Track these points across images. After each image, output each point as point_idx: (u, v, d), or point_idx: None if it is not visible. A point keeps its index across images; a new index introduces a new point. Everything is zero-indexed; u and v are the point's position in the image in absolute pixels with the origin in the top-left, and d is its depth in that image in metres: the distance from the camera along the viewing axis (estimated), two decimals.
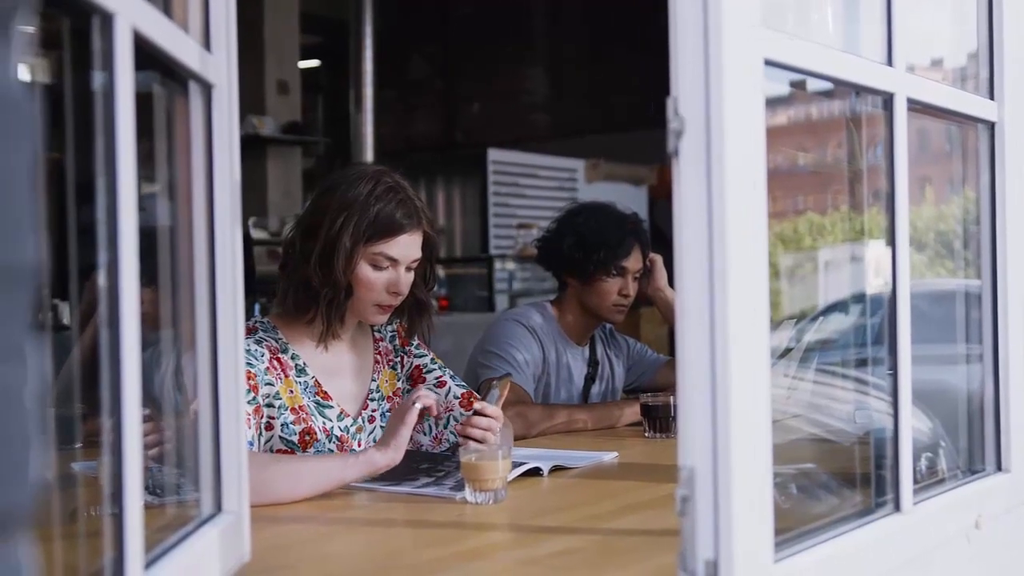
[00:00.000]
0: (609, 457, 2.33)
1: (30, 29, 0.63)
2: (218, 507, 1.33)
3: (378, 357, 2.36)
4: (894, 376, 1.49)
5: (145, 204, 1.12)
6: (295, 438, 2.14)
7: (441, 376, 2.37)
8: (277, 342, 2.21)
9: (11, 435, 0.55)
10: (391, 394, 2.35)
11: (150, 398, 1.14)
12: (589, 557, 1.54)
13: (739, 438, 1.14)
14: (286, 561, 1.55)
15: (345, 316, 2.23)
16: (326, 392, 2.23)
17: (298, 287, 2.18)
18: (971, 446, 1.82)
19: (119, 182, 0.96)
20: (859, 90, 1.52)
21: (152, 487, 1.27)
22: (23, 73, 0.60)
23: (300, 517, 1.81)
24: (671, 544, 1.46)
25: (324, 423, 2.20)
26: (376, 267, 2.17)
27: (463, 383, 2.39)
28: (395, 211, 2.15)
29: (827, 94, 1.69)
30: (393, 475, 2.01)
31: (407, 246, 2.18)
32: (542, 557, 1.54)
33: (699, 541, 1.15)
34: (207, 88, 1.31)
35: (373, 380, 2.33)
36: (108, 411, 0.95)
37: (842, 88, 1.57)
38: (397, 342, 2.40)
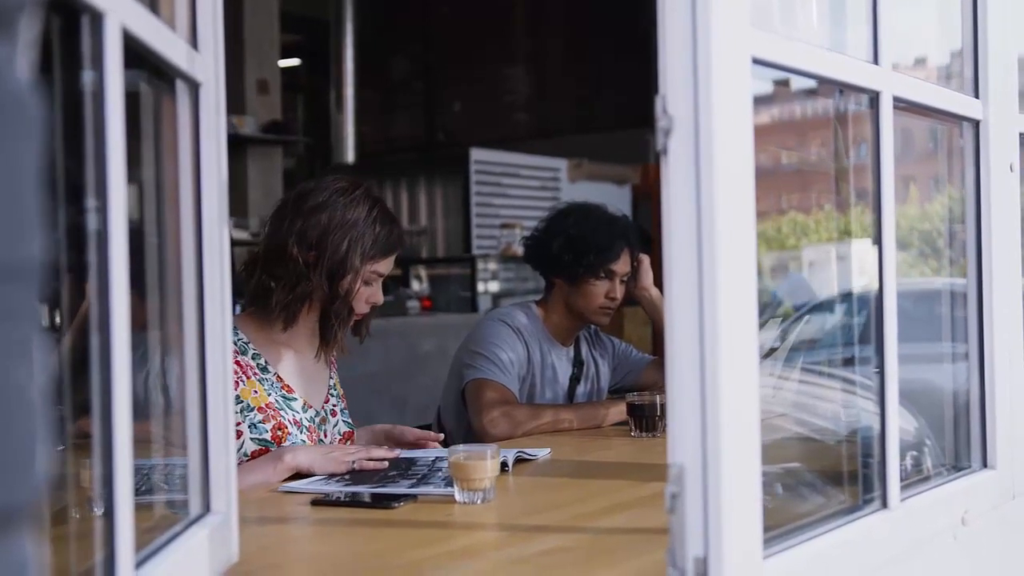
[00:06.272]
0: (543, 454, 2.33)
1: (35, 28, 0.63)
2: (206, 507, 1.32)
3: (332, 359, 2.43)
4: (880, 373, 1.50)
5: (131, 204, 1.12)
6: (267, 435, 2.17)
7: (342, 405, 2.44)
8: (236, 344, 2.21)
9: (20, 432, 0.55)
10: (341, 395, 2.44)
11: (136, 400, 1.13)
12: (578, 555, 1.54)
13: (729, 435, 1.14)
14: (273, 561, 1.55)
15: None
16: (289, 386, 2.28)
17: (300, 299, 2.22)
18: (957, 443, 1.83)
19: (109, 183, 0.95)
20: (846, 88, 1.53)
21: (138, 487, 1.26)
22: (28, 72, 0.60)
23: (287, 517, 1.81)
24: (659, 542, 1.46)
25: (293, 415, 2.25)
26: (367, 283, 2.26)
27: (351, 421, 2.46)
28: (392, 232, 2.27)
29: (810, 93, 1.70)
30: (379, 479, 2.01)
31: (392, 262, 2.32)
32: (532, 556, 1.54)
33: (688, 538, 1.15)
34: (194, 87, 1.30)
35: (331, 377, 2.42)
36: (99, 413, 0.94)
37: (825, 87, 1.57)
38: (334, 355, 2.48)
